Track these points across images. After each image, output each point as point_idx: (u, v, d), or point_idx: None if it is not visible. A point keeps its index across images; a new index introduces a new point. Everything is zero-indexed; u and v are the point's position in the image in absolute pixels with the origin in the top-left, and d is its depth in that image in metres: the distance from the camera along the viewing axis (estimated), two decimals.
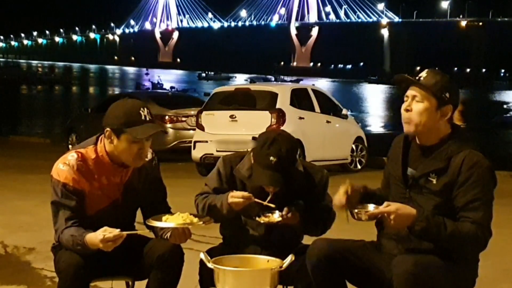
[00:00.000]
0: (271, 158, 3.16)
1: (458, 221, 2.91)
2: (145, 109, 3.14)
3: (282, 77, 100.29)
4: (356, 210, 2.91)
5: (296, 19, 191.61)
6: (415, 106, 2.99)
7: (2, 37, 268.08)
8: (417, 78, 3.02)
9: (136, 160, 3.17)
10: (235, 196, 3.21)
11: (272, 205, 3.19)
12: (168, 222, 3.04)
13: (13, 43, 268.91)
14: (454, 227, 2.87)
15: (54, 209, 3.17)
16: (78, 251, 3.04)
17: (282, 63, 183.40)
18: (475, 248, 2.97)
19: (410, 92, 3.02)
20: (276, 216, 3.19)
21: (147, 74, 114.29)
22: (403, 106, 3.04)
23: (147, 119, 3.12)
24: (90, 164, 3.18)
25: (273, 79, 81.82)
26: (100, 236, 2.94)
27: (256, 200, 3.21)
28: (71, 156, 3.17)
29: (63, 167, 3.14)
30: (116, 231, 2.95)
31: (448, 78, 3.01)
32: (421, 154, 3.05)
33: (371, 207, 2.94)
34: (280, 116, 11.31)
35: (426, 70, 3.06)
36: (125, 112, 3.13)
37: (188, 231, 3.14)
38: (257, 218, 3.22)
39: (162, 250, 3.15)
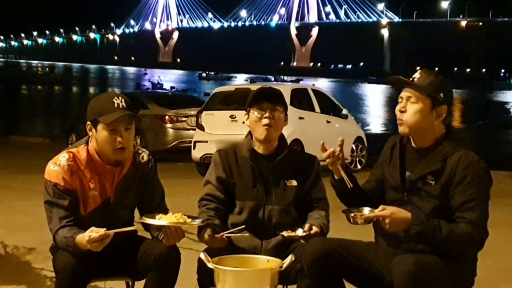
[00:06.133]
0: (264, 86, 3.57)
1: (454, 222, 2.91)
2: (120, 98, 3.14)
3: (282, 77, 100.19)
4: (352, 214, 2.91)
5: (296, 19, 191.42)
6: (410, 107, 3.00)
7: (2, 37, 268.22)
8: (410, 79, 3.02)
9: (116, 151, 3.14)
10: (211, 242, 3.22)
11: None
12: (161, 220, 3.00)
13: (13, 43, 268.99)
14: (449, 229, 2.87)
15: (48, 209, 3.17)
16: (72, 252, 3.04)
17: (282, 63, 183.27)
18: (471, 249, 2.98)
19: (405, 94, 3.03)
20: (300, 232, 3.23)
21: (145, 74, 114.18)
22: (397, 107, 3.06)
23: (120, 106, 3.11)
24: (82, 164, 3.19)
25: (273, 79, 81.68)
26: (86, 237, 2.94)
27: (227, 234, 3.21)
28: (62, 157, 3.19)
29: (54, 167, 3.16)
30: (102, 231, 2.93)
31: (442, 79, 3.02)
32: (416, 156, 3.06)
33: (366, 211, 2.95)
34: None
35: (419, 70, 3.06)
36: (99, 102, 3.17)
37: (181, 231, 3.08)
38: (281, 233, 3.25)
39: (159, 251, 3.13)
